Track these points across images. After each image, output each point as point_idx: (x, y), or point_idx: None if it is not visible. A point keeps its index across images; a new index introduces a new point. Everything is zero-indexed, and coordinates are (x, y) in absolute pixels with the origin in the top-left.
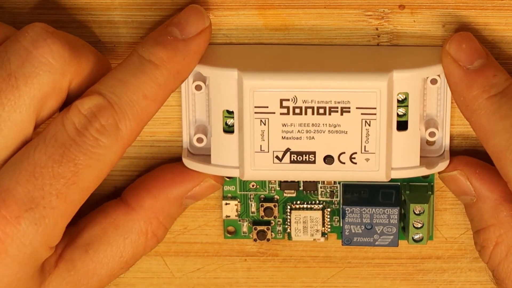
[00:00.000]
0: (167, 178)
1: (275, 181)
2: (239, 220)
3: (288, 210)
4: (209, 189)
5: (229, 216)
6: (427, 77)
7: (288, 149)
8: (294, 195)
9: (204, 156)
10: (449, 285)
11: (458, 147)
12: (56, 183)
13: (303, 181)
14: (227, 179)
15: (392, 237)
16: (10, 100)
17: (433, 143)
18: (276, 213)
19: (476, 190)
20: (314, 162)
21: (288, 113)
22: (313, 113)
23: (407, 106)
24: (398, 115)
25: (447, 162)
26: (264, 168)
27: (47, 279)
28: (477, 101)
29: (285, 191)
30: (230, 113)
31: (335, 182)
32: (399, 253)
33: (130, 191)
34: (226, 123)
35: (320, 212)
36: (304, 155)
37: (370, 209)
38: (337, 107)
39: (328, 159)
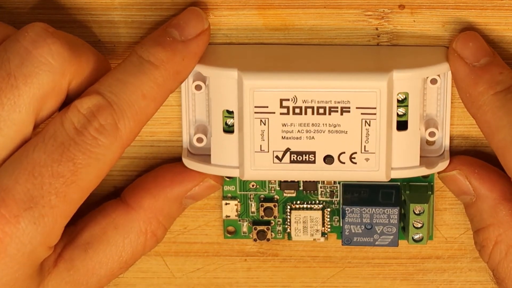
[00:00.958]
0: (167, 178)
1: (275, 181)
2: (239, 220)
3: (288, 210)
4: (208, 189)
5: (229, 216)
6: (427, 77)
7: (288, 149)
8: (294, 195)
9: (204, 156)
10: (449, 285)
11: (458, 147)
12: (55, 182)
13: (303, 181)
14: (227, 179)
15: (392, 237)
16: (9, 100)
17: (433, 143)
18: (276, 213)
19: (475, 190)
20: (314, 162)
21: (288, 113)
22: (313, 113)
23: (407, 106)
24: (398, 115)
25: (447, 162)
26: (264, 168)
27: (46, 278)
28: (483, 97)
29: (285, 191)
30: (230, 113)
31: (335, 182)
32: (399, 253)
33: (130, 191)
34: (226, 123)
35: (320, 212)
36: (304, 155)
37: (370, 209)
38: (337, 107)
39: (328, 159)
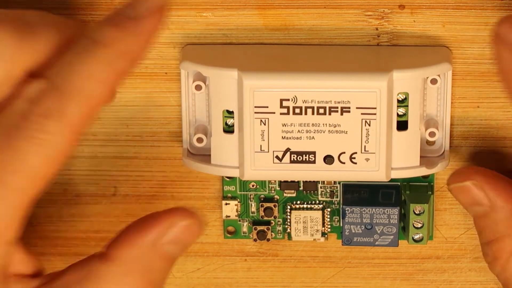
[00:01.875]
0: (138, 223)
1: (275, 181)
2: (239, 220)
3: (288, 210)
4: (189, 229)
5: (229, 216)
6: (427, 77)
7: (288, 149)
8: (294, 195)
9: (204, 156)
10: (449, 285)
11: (458, 147)
12: (0, 171)
13: (303, 181)
14: (227, 179)
15: (392, 237)
16: None
17: (433, 143)
18: (276, 213)
19: (491, 200)
20: (314, 162)
21: (288, 113)
22: (313, 113)
23: (407, 106)
24: (398, 115)
25: (447, 162)
26: (264, 168)
27: None
28: None
29: (285, 191)
30: (230, 113)
31: (335, 182)
32: (399, 253)
33: (111, 241)
34: (226, 123)
35: (320, 212)
36: (304, 155)
37: (370, 209)
38: (337, 107)
39: (328, 159)
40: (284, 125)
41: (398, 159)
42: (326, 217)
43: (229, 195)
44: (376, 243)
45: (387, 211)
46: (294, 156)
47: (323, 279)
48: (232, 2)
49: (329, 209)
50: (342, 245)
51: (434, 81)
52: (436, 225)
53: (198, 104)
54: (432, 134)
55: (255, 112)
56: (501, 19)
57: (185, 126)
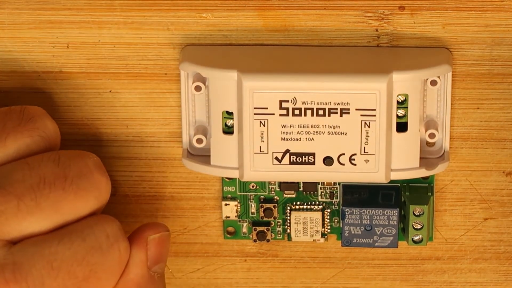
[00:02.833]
0: None
1: (275, 182)
2: (239, 221)
3: (288, 211)
4: (161, 240)
5: (229, 217)
6: (427, 79)
7: (287, 150)
8: (294, 196)
9: (203, 157)
10: (449, 286)
11: (458, 149)
12: None
13: (302, 182)
14: (227, 180)
15: (391, 238)
16: None
17: (433, 144)
18: (276, 213)
19: None
20: (313, 163)
21: (287, 114)
22: (312, 114)
23: (407, 107)
24: (398, 116)
25: (447, 163)
26: (264, 169)
27: None
28: None
29: (285, 192)
30: (229, 114)
31: (334, 183)
32: (399, 254)
33: None
34: (225, 124)
35: (320, 213)
36: (303, 156)
37: (370, 210)
38: (337, 109)
39: (328, 160)
40: (283, 126)
41: (398, 161)
42: (326, 218)
43: (229, 195)
44: (376, 244)
45: (386, 212)
46: (293, 157)
47: (323, 279)
48: (232, 3)
49: (329, 210)
50: (342, 246)
51: (434, 83)
52: (436, 226)
53: (197, 105)
54: (432, 136)
55: (255, 113)
56: None
57: (185, 127)
